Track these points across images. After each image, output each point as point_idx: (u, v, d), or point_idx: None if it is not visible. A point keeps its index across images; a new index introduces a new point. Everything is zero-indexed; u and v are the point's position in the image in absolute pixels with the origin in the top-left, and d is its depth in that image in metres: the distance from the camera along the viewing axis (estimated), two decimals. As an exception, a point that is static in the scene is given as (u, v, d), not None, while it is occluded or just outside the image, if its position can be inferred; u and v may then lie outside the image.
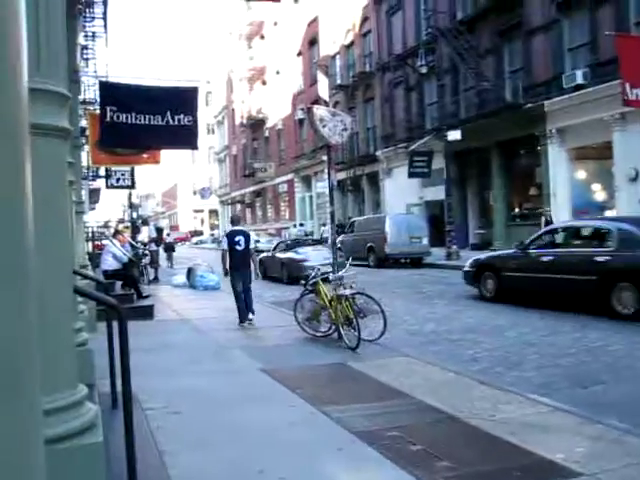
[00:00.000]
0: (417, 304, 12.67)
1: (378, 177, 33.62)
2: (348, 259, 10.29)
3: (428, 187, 28.62)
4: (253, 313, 10.63)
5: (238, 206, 62.10)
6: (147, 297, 12.95)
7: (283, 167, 47.67)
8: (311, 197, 43.72)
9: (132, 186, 19.55)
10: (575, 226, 12.29)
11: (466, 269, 13.41)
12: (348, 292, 8.46)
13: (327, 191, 10.08)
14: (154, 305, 11.97)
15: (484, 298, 12.52)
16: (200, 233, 74.56)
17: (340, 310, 8.45)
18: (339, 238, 24.57)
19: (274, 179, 49.97)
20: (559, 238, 11.97)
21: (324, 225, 37.53)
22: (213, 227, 73.55)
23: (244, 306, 10.52)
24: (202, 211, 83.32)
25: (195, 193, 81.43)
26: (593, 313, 10.21)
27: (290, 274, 19.48)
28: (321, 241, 26.15)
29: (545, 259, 11.36)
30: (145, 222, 26.80)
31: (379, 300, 8.82)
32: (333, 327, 8.84)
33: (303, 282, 9.49)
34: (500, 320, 10.27)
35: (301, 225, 39.43)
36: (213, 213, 78.77)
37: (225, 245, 10.78)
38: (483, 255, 13.49)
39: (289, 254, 20.41)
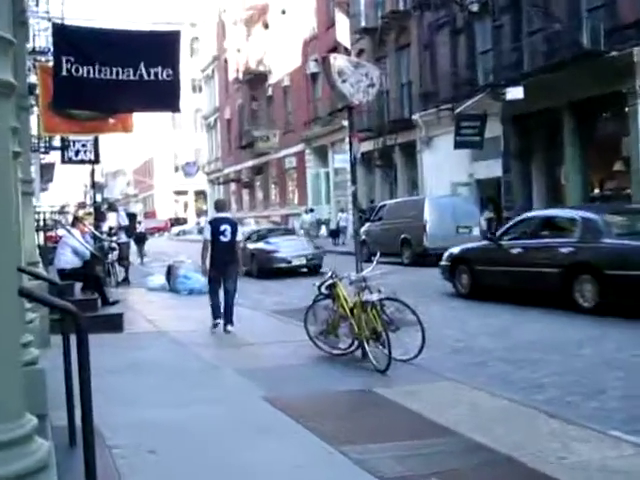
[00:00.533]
0: (465, 312, 12.92)
1: (415, 148, 33.60)
2: (375, 255, 10.32)
3: (480, 161, 28.55)
4: (232, 324, 11.36)
5: (232, 186, 62.50)
6: (115, 303, 13.10)
7: (291, 136, 47.87)
8: (327, 174, 43.88)
9: (95, 161, 19.62)
10: (544, 215, 14.70)
11: (442, 263, 15.53)
12: (375, 297, 8.57)
13: (348, 166, 10.19)
14: (124, 314, 12.16)
15: (460, 295, 14.76)
16: (183, 221, 75.24)
17: (365, 321, 8.57)
18: (363, 228, 24.64)
19: (279, 151, 50.21)
20: (529, 228, 14.00)
21: (342, 212, 37.73)
22: (200, 213, 73.63)
23: (218, 303, 11.47)
24: (186, 193, 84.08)
25: (177, 170, 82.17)
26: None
27: (260, 267, 21.86)
28: (292, 230, 29.45)
29: (515, 251, 13.73)
30: (112, 207, 26.89)
31: (415, 308, 8.96)
32: (355, 343, 8.98)
33: (317, 284, 9.56)
34: (573, 333, 10.36)
35: (312, 211, 39.59)
36: (200, 195, 79.50)
37: (207, 234, 11.54)
38: (457, 248, 15.53)
39: (259, 244, 22.56)
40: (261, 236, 23.28)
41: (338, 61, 9.24)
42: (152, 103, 9.14)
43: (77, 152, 18.82)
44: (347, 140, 10.52)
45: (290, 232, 27.33)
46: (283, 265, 22.14)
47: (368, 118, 34.97)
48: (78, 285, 13.15)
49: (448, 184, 29.92)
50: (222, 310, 11.48)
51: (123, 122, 13.47)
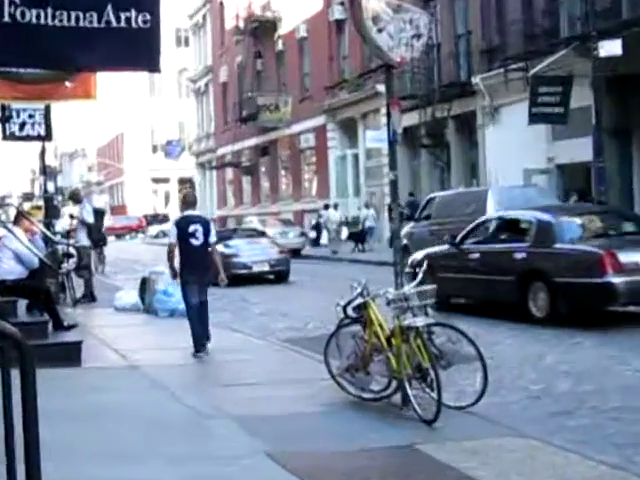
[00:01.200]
0: (543, 344, 12.86)
1: (474, 122, 33.55)
2: (421, 265, 10.31)
3: (562, 141, 28.43)
4: (209, 339, 12.63)
5: (229, 172, 62.53)
6: (71, 328, 13.07)
7: (308, 105, 47.84)
8: (355, 157, 43.87)
9: (47, 137, 19.59)
10: (503, 217, 17.46)
11: (406, 270, 16.63)
12: (421, 322, 8.62)
13: (385, 147, 10.15)
14: (83, 342, 12.13)
15: None
16: (163, 219, 73.36)
17: (407, 354, 8.61)
18: (405, 229, 24.57)
19: (292, 126, 50.29)
20: (489, 231, 17.09)
21: (366, 207, 37.74)
22: (186, 209, 73.69)
23: (200, 329, 12.52)
24: (167, 181, 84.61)
25: (155, 150, 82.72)
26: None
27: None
28: (261, 232, 31.55)
29: (473, 257, 16.43)
30: (75, 197, 26.25)
31: (474, 337, 9.01)
32: (393, 383, 8.96)
33: (341, 304, 9.47)
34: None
35: (335, 208, 39.49)
36: (185, 185, 78.48)
37: (173, 237, 12.83)
38: (421, 252, 18.14)
39: (216, 247, 23.87)
40: (222, 237, 24.46)
41: (372, 3, 9.13)
42: (123, 59, 9.09)
43: (22, 125, 18.78)
44: (384, 111, 10.51)
45: (260, 234, 30.58)
46: (243, 272, 24.78)
47: (412, 82, 34.99)
48: (23, 303, 13.07)
49: (519, 171, 29.74)
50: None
51: (83, 85, 13.33)
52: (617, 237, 15.73)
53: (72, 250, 20.01)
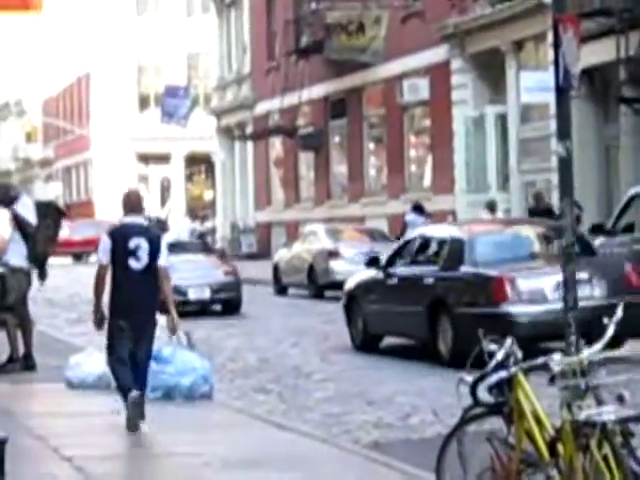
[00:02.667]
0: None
1: None
2: (614, 309, 7.64)
3: None
4: (143, 417, 10.50)
5: (276, 145, 43.36)
6: None
7: (415, 25, 32.38)
8: (502, 119, 29.63)
9: None
10: (424, 236, 16.97)
11: (341, 302, 17.81)
12: (611, 416, 6.70)
13: (552, 100, 9.61)
14: (6, 441, 8.29)
15: (355, 346, 17.09)
16: (161, 224, 52.48)
17: (585, 471, 6.75)
18: (596, 240, 18.42)
19: (387, 62, 34.12)
20: (412, 253, 16.54)
21: (489, 211, 26.69)
22: (199, 207, 55.96)
23: (129, 382, 10.51)
24: (165, 159, 59.06)
25: (146, 105, 58.24)
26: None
27: None
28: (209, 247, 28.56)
29: (391, 283, 16.19)
30: (2, 197, 18.49)
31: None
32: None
33: (467, 380, 7.18)
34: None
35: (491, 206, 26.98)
36: (198, 166, 58.55)
37: (104, 256, 10.68)
38: (353, 279, 17.87)
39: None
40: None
41: None
42: None
43: None
44: (550, 39, 8.53)
45: (206, 248, 28.41)
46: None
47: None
48: None
49: None
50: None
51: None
52: (534, 259, 15.20)
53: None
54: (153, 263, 10.54)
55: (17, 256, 14.84)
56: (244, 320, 23.17)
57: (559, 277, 11.80)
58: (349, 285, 17.60)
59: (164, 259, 10.79)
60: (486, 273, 14.08)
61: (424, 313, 14.56)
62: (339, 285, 21.46)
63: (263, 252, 41.95)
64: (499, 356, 6.96)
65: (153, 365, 12.75)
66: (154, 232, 11.50)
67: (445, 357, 14.02)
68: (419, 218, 27.17)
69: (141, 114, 59.16)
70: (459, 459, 7.31)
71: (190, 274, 22.51)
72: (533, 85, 24.70)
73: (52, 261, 18.01)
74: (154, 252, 10.54)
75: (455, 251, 14.75)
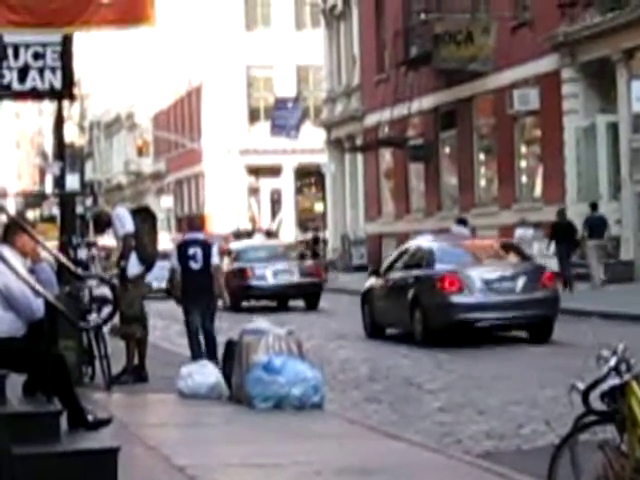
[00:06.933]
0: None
1: None
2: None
3: None
4: None
5: (386, 157, 42.81)
6: (101, 426, 8.71)
7: (525, 35, 31.94)
8: (614, 128, 28.86)
9: (66, 92, 12.65)
10: (409, 248, 21.45)
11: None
12: None
13: None
14: (119, 449, 7.84)
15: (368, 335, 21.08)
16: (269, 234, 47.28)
17: None
18: None
19: (497, 72, 33.61)
20: (406, 261, 20.48)
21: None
22: (306, 221, 55.02)
23: (200, 352, 14.34)
24: (276, 172, 57.48)
25: (256, 118, 56.38)
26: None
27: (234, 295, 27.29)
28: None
29: (389, 285, 20.42)
30: (100, 222, 16.74)
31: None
32: None
33: (579, 387, 6.72)
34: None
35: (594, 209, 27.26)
36: (308, 178, 57.03)
37: (175, 261, 14.61)
38: (367, 284, 21.97)
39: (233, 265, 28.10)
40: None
41: None
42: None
43: (23, 72, 12.19)
44: None
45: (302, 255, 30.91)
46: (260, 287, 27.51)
47: None
48: (17, 380, 8.58)
49: None
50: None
51: (130, 3, 9.10)
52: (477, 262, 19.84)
53: (106, 293, 13.00)
54: (206, 264, 14.56)
55: (132, 265, 14.60)
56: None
57: (493, 274, 18.45)
58: (363, 289, 21.91)
59: (215, 260, 14.96)
60: (435, 272, 18.73)
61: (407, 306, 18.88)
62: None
63: (374, 263, 36.07)
64: (611, 363, 6.57)
65: (264, 375, 12.44)
66: (207, 242, 15.34)
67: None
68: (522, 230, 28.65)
69: (251, 127, 58.43)
70: (571, 468, 6.91)
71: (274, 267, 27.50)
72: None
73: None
74: (207, 256, 14.57)
75: (423, 258, 19.60)
